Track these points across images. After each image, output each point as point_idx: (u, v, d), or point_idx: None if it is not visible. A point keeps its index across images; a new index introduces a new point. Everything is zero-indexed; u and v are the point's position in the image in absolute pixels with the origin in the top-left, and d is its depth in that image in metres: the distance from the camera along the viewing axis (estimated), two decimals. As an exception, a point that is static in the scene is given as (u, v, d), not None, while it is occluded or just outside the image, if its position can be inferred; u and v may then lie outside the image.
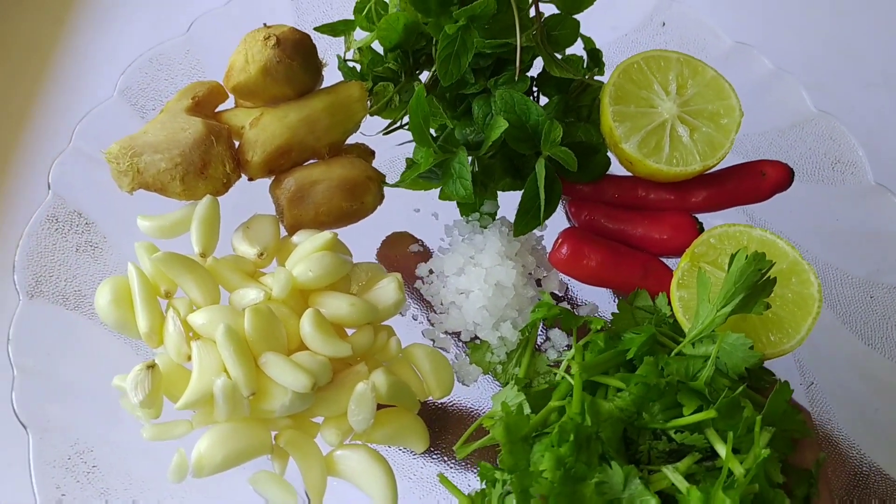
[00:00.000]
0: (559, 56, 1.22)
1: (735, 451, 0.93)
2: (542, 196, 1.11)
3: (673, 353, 1.02)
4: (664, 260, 1.21)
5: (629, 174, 1.23)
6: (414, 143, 1.15)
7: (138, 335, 1.05)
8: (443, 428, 1.14)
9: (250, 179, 1.17)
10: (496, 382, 1.18)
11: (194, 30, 1.29)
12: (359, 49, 1.21)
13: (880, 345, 1.16)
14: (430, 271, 1.22)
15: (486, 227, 1.23)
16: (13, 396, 1.00)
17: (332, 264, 1.08)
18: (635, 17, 1.40)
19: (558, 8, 1.19)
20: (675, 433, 0.95)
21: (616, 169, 1.24)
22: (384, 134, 1.25)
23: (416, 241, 1.27)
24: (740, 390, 0.94)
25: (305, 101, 1.17)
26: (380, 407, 1.03)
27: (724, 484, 0.89)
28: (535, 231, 1.17)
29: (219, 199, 1.13)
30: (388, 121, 1.25)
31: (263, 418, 1.02)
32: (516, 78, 1.14)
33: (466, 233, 1.23)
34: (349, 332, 1.11)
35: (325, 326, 1.04)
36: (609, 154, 1.24)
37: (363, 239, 1.22)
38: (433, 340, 1.18)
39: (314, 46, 1.18)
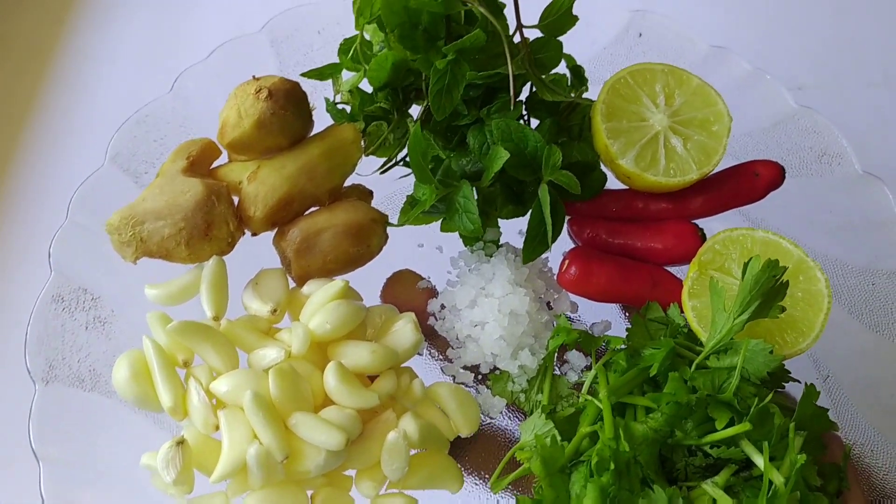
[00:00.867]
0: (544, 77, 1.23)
1: (770, 457, 0.95)
2: (549, 222, 1.12)
3: (694, 365, 1.04)
4: (670, 269, 1.23)
5: (625, 187, 1.25)
6: (412, 178, 1.15)
7: (160, 409, 1.03)
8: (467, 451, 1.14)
9: (254, 234, 1.16)
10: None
11: (179, 86, 1.27)
12: (349, 91, 1.20)
13: (887, 331, 1.19)
14: (442, 306, 1.22)
15: (491, 256, 1.23)
16: (41, 489, 0.98)
17: (348, 313, 1.08)
18: (612, 30, 1.41)
19: (542, 31, 1.19)
20: (711, 448, 0.96)
21: (611, 183, 1.25)
22: (381, 173, 1.25)
23: (422, 277, 1.26)
24: (769, 398, 0.96)
25: (301, 149, 1.16)
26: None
27: (766, 495, 0.90)
28: (540, 254, 1.18)
29: (224, 258, 1.12)
30: (383, 159, 1.25)
31: (298, 479, 1.01)
32: (511, 107, 1.15)
33: (473, 263, 1.23)
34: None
35: (350, 378, 1.03)
36: (604, 169, 1.25)
37: (369, 279, 1.21)
38: (454, 376, 1.18)
39: (304, 94, 1.17)
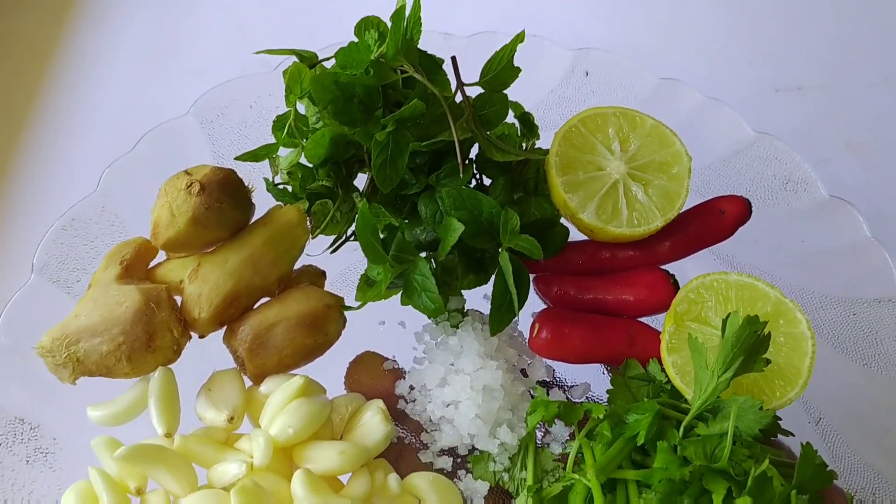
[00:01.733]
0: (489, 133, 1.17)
1: (774, 524, 0.89)
2: (514, 291, 1.06)
3: (682, 428, 0.98)
4: (645, 320, 1.18)
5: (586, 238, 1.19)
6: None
7: (116, 544, 0.95)
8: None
9: (201, 337, 1.08)
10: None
11: (104, 184, 1.18)
12: (287, 173, 1.13)
13: (875, 363, 1.14)
14: (411, 387, 1.15)
15: (457, 326, 1.16)
16: None
17: (311, 413, 1.01)
18: (556, 71, 1.36)
19: (484, 88, 1.14)
20: (711, 523, 0.90)
21: (573, 234, 1.20)
22: (331, 252, 1.18)
23: (387, 357, 1.19)
24: (765, 466, 0.91)
25: (243, 238, 1.09)
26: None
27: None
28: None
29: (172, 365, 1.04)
30: (331, 237, 1.18)
31: None
32: (461, 172, 1.08)
33: (439, 336, 1.17)
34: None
35: (319, 486, 0.96)
36: (564, 221, 1.19)
37: (330, 366, 1.14)
38: (431, 463, 1.11)
39: (240, 180, 1.10)
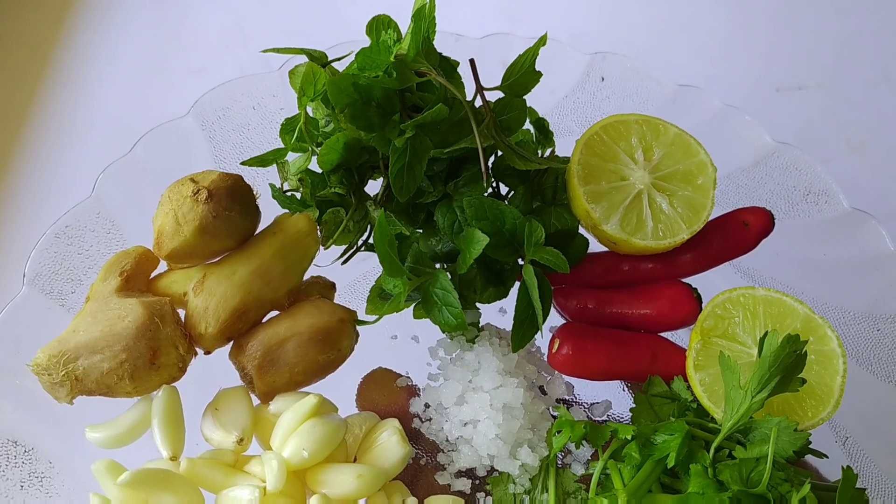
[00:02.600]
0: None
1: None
2: (538, 306, 1.01)
3: (713, 449, 0.94)
4: (667, 335, 1.14)
5: (606, 249, 1.15)
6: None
7: (119, 577, 0.88)
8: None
9: (207, 353, 1.02)
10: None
11: (100, 189, 1.11)
12: (298, 179, 1.07)
13: (901, 379, 1.11)
14: (427, 405, 1.09)
15: (473, 341, 1.11)
16: None
17: (326, 434, 0.95)
18: (572, 76, 1.32)
19: (504, 93, 1.09)
20: (752, 553, 0.87)
21: (592, 245, 1.16)
22: (342, 263, 1.12)
23: (400, 374, 1.13)
24: (806, 491, 0.87)
25: (251, 249, 1.03)
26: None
27: None
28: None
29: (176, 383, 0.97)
30: (342, 246, 1.12)
31: None
32: (484, 182, 1.03)
33: (454, 351, 1.11)
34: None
35: (337, 513, 0.90)
36: (582, 231, 1.15)
37: (342, 383, 1.08)
38: (449, 485, 1.06)
39: (248, 187, 1.03)
